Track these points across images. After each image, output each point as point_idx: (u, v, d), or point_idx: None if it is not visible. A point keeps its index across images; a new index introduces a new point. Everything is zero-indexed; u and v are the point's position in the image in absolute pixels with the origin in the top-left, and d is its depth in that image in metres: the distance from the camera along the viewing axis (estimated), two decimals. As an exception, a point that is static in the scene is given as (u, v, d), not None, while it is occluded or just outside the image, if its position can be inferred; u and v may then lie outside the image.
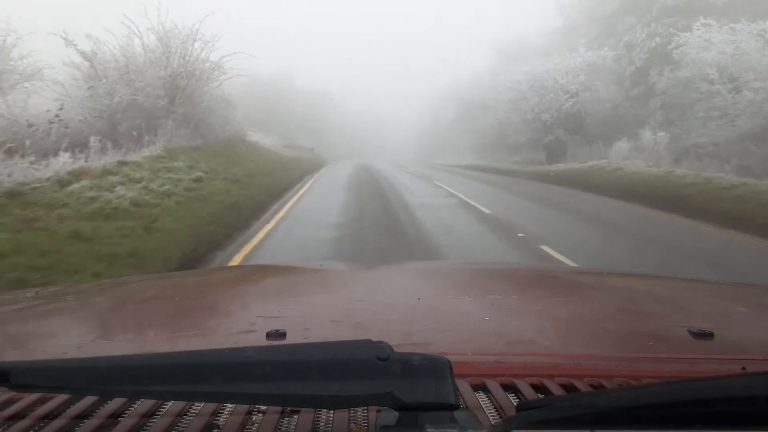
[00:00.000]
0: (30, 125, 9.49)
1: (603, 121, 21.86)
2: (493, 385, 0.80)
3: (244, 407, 0.75)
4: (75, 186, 7.36)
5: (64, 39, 12.03)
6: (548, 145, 22.35)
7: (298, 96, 54.03)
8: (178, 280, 1.92)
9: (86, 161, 8.99)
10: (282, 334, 0.95)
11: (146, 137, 12.07)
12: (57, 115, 9.82)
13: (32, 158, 8.17)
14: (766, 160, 13.49)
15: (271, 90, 52.75)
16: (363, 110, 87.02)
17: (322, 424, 0.73)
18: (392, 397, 0.63)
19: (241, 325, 1.14)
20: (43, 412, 0.75)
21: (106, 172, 8.55)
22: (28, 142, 8.84)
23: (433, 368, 0.66)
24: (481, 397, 0.77)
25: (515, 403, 0.75)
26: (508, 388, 0.79)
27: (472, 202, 10.62)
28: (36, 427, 0.73)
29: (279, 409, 0.75)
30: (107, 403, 0.75)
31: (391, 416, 0.67)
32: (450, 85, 66.43)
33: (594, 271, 2.60)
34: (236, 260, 5.72)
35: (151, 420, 0.74)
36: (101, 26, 13.20)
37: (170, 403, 0.75)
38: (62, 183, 7.41)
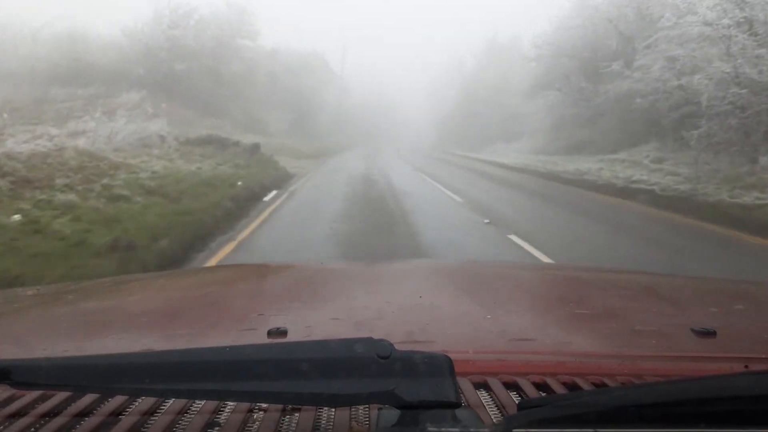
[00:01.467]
0: None
1: None
2: (495, 384, 0.83)
3: (245, 405, 0.77)
4: None
5: None
6: None
7: (262, 56, 28.88)
8: (178, 279, 1.98)
9: None
10: (283, 332, 0.99)
11: None
12: None
13: None
14: None
15: (207, 39, 23.65)
16: (369, 86, 64.45)
17: (323, 422, 0.74)
18: (393, 395, 0.63)
19: (242, 324, 1.20)
20: (44, 410, 0.77)
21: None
22: None
23: (435, 366, 0.65)
24: (483, 396, 0.81)
25: (517, 402, 0.77)
26: (510, 386, 0.84)
27: None
28: (37, 425, 0.74)
29: (280, 407, 0.77)
30: (108, 401, 0.79)
31: (392, 414, 0.67)
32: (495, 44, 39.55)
33: (596, 269, 2.56)
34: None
35: (152, 418, 0.75)
36: None
37: (171, 401, 0.78)
38: None
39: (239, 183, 11.79)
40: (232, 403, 0.77)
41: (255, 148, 18.73)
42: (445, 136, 58.55)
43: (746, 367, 0.86)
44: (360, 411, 0.75)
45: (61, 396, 0.79)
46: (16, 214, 6.90)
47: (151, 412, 0.76)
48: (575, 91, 24.89)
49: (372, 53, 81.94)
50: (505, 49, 52.11)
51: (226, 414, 0.76)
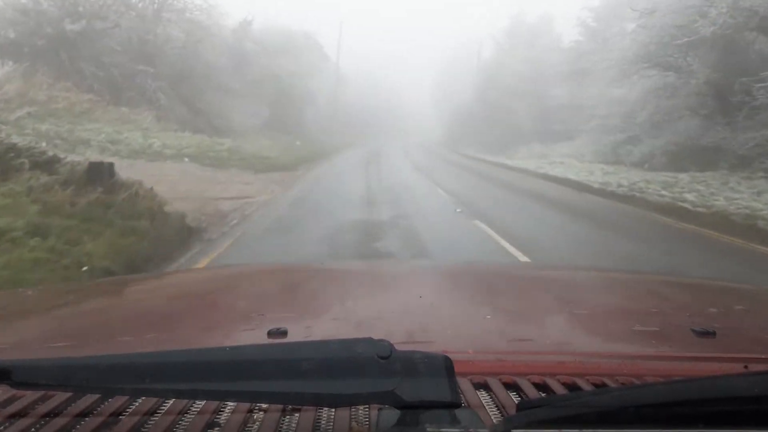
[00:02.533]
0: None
1: None
2: (495, 384, 0.87)
3: (245, 405, 0.82)
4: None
5: None
6: None
7: (223, 28, 14.48)
8: (179, 279, 2.04)
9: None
10: (283, 333, 0.99)
11: None
12: None
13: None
14: None
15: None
16: (369, 73, 52.41)
17: (323, 422, 0.78)
18: (393, 395, 0.65)
19: (242, 324, 1.21)
20: (45, 410, 0.81)
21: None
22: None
23: (435, 366, 0.67)
24: (483, 396, 0.84)
25: (516, 402, 0.81)
26: (510, 386, 0.87)
27: None
28: (37, 425, 0.78)
29: (280, 407, 0.81)
30: (108, 401, 0.84)
31: (392, 415, 0.70)
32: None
33: (596, 269, 2.60)
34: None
35: (153, 418, 0.79)
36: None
37: (171, 402, 0.83)
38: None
39: None
40: (232, 404, 0.82)
41: (99, 171, 8.04)
42: (457, 133, 52.97)
43: (746, 367, 0.91)
44: (360, 411, 0.79)
45: (61, 396, 0.85)
46: None
47: (151, 412, 0.80)
48: (708, 67, 14.31)
49: (372, 36, 71.21)
50: (534, 29, 41.61)
51: (226, 414, 0.80)
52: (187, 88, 26.91)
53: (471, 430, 0.63)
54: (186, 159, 17.20)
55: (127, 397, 0.82)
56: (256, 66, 34.83)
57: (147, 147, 17.35)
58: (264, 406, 0.79)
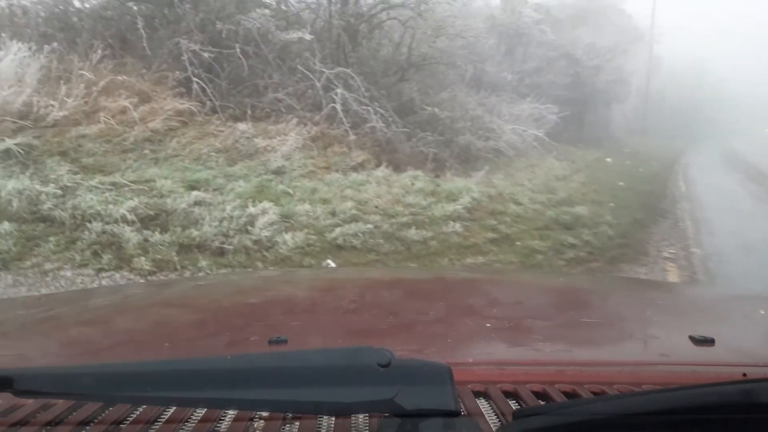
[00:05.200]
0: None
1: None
2: (495, 392, 0.87)
3: (246, 413, 0.85)
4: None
5: None
6: None
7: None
8: (181, 287, 2.05)
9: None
10: (284, 341, 1.01)
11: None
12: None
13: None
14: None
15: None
16: (688, 49, 34.47)
17: (323, 430, 0.80)
18: (393, 403, 0.66)
19: (243, 332, 1.23)
20: (47, 419, 0.85)
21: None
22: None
23: (434, 374, 0.68)
24: (483, 404, 0.85)
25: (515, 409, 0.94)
26: (510, 394, 0.88)
27: None
28: None
29: (280, 415, 0.84)
30: (110, 410, 0.87)
31: (392, 423, 0.70)
32: None
33: (595, 277, 2.82)
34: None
35: (153, 426, 0.83)
36: None
37: (173, 410, 0.87)
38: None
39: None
40: (232, 411, 0.84)
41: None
42: None
43: (744, 375, 0.90)
44: (360, 419, 0.80)
45: (63, 404, 0.88)
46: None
47: (152, 420, 0.83)
48: None
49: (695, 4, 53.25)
50: None
51: (227, 422, 0.82)
52: (407, 86, 12.52)
53: None
54: (328, 261, 6.00)
55: (128, 406, 0.84)
56: (538, 45, 24.25)
57: (240, 226, 6.04)
58: (264, 414, 0.79)
